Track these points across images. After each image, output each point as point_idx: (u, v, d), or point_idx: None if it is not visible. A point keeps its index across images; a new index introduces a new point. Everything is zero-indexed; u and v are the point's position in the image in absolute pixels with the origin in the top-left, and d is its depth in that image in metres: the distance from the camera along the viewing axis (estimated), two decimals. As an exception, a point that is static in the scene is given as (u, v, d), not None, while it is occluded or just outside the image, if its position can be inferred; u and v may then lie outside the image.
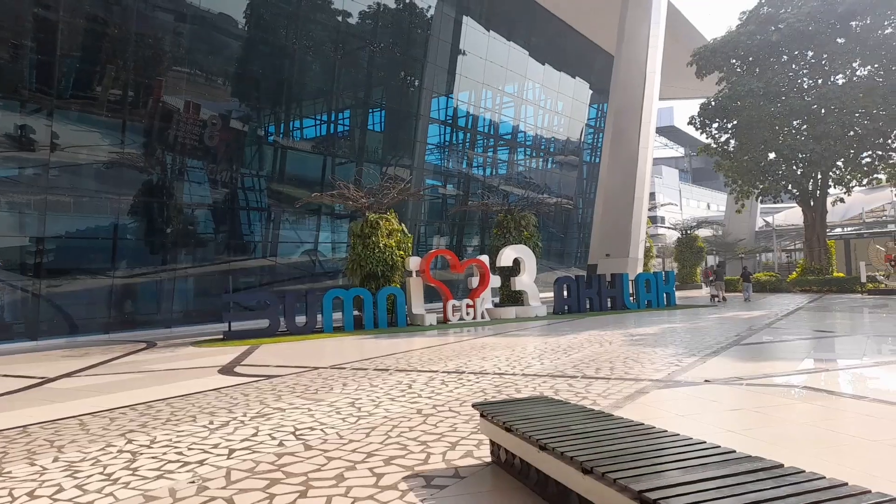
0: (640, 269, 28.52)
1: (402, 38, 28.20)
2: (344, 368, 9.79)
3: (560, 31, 35.04)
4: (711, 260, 46.61)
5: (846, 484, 2.51)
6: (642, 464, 2.92)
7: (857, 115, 25.91)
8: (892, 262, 24.24)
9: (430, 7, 28.50)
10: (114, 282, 19.46)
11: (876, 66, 26.48)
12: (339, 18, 25.01)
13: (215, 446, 5.17)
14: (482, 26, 31.18)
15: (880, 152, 27.18)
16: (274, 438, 5.35)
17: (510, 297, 21.23)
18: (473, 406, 4.62)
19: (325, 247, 26.44)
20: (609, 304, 21.42)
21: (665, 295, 22.20)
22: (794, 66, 28.44)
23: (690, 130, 33.85)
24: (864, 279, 24.81)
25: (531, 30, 34.00)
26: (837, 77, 27.84)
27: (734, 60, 29.36)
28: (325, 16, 24.84)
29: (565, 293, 21.05)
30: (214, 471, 4.46)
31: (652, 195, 54.20)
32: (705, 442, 3.28)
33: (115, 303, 19.65)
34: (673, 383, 7.44)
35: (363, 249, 17.99)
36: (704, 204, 76.99)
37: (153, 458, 4.90)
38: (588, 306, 21.08)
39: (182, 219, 21.52)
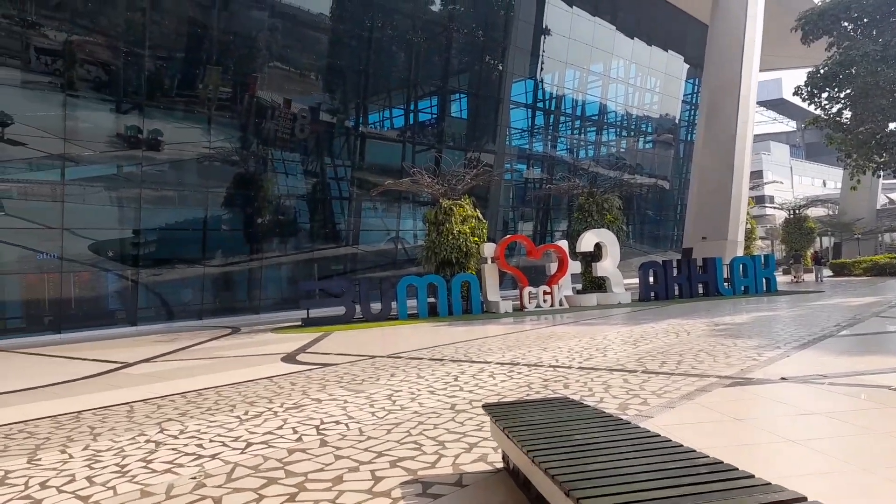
0: (740, 252, 26.64)
1: (483, 22, 27.71)
2: (400, 358, 9.67)
3: (649, 2, 33.12)
4: (827, 241, 43.02)
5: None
6: (626, 489, 2.48)
7: None
8: None
9: (511, -13, 27.82)
10: (205, 271, 20.52)
11: None
12: (421, 5, 24.97)
13: (236, 439, 5.14)
14: (565, 3, 30.02)
15: None
16: (295, 433, 5.24)
17: (593, 283, 20.39)
18: (483, 407, 4.27)
19: (407, 234, 26.65)
20: (700, 291, 20.11)
21: (764, 280, 20.54)
22: (920, 23, 25.21)
23: (801, 102, 30.97)
24: None
25: (617, 3, 32.36)
26: (974, 32, 24.38)
27: (846, 23, 26.42)
28: (407, 4, 24.82)
29: (651, 279, 19.96)
30: (221, 466, 4.39)
31: (759, 173, 50.56)
32: (707, 457, 2.74)
33: (207, 290, 20.73)
34: (743, 381, 6.68)
35: (437, 236, 17.88)
36: (819, 181, 70.93)
37: (173, 449, 4.92)
38: (677, 293, 19.89)
39: (270, 209, 22.36)
